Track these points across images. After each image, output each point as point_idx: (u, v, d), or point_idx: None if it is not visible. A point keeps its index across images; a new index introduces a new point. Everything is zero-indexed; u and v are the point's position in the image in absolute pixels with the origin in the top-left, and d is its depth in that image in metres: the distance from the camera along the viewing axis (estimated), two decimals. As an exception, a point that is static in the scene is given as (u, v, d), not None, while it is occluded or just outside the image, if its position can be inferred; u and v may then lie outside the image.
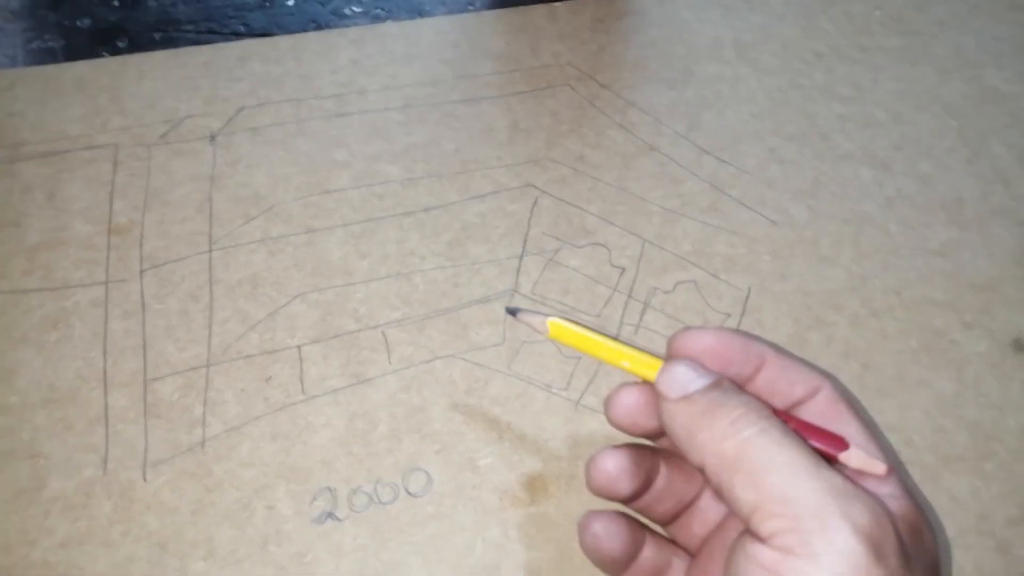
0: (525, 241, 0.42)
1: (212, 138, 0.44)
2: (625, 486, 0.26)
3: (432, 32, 0.50)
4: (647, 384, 0.26)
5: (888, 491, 0.24)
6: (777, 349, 0.27)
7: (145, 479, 0.34)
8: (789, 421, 0.25)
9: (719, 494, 0.23)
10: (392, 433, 0.36)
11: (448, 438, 0.36)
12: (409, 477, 0.35)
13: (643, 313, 0.41)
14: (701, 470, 0.24)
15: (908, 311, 0.42)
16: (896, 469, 0.25)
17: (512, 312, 0.29)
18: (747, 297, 0.42)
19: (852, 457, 0.25)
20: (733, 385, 0.25)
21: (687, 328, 0.27)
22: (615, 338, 0.27)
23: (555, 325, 0.28)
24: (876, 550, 0.20)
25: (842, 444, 0.25)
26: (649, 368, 0.26)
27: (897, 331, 0.41)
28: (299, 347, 0.38)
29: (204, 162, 0.43)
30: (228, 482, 0.34)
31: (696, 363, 0.25)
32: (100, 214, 0.41)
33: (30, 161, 0.42)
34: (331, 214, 0.42)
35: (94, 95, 0.45)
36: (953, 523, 0.36)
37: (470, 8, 0.52)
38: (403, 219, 0.42)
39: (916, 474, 0.37)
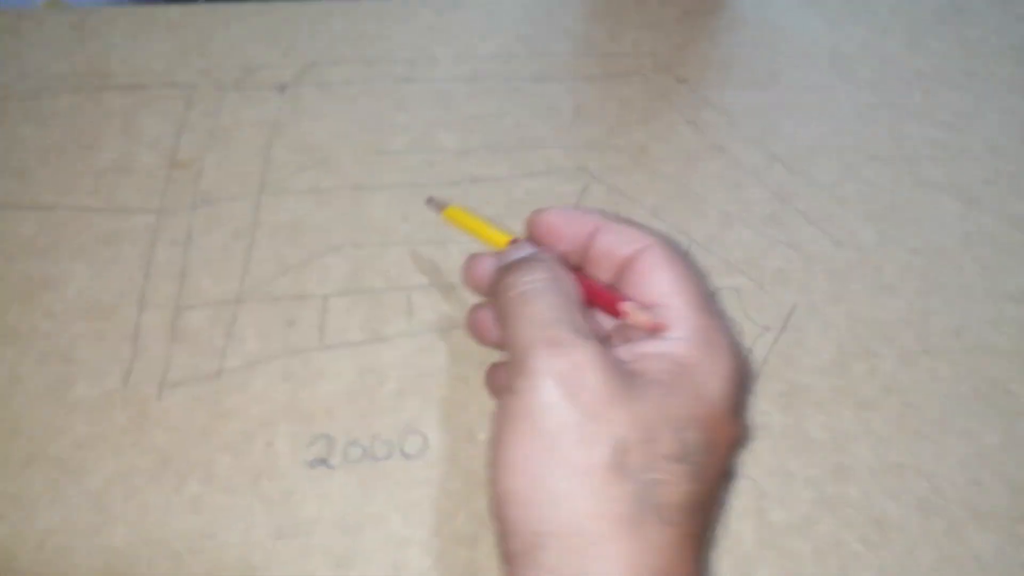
0: (568, 225, 0.41)
1: (282, 89, 0.45)
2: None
3: (515, 8, 0.49)
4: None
5: (675, 335, 0.27)
6: (612, 218, 0.31)
7: (160, 398, 0.36)
8: (581, 281, 0.30)
9: None
10: (399, 393, 0.36)
11: (452, 407, 0.36)
12: (407, 438, 0.35)
13: (676, 314, 0.39)
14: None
15: (966, 354, 0.39)
16: (693, 319, 0.28)
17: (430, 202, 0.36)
18: (791, 313, 0.40)
19: (627, 313, 0.29)
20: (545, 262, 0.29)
21: (536, 211, 0.32)
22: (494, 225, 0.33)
23: (450, 211, 0.35)
24: (568, 390, 0.25)
25: (617, 305, 0.29)
26: (500, 242, 0.32)
27: (949, 374, 0.38)
28: (325, 297, 0.38)
29: (270, 110, 0.44)
30: (235, 413, 0.35)
31: (524, 243, 0.31)
32: (166, 148, 0.43)
33: (115, 91, 0.44)
34: (381, 174, 0.42)
35: (182, 38, 0.47)
36: (973, 584, 0.34)
37: (562, -10, 0.51)
38: (450, 188, 0.42)
39: (940, 525, 0.35)
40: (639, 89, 0.46)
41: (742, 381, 0.28)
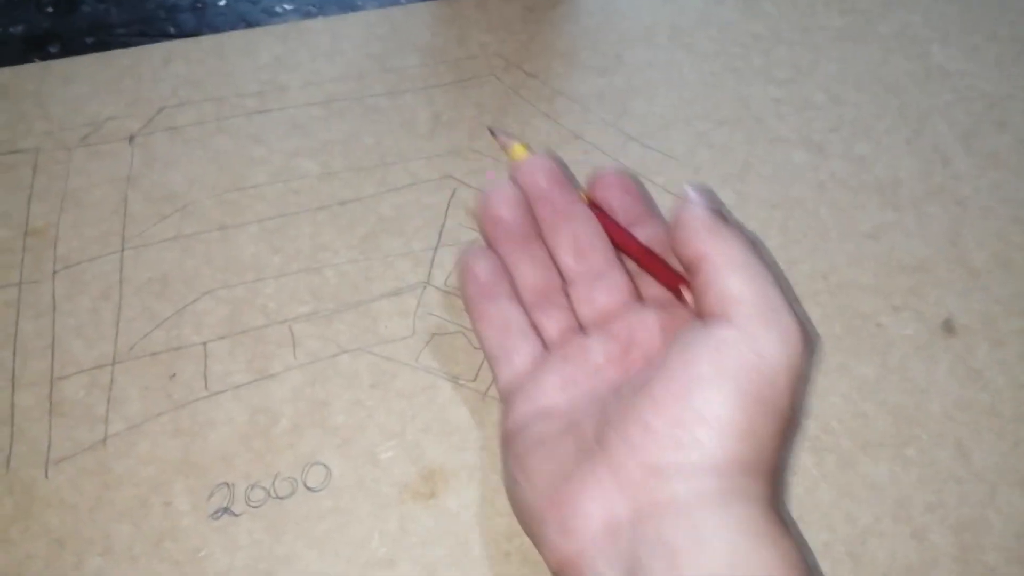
0: (441, 233, 0.42)
1: (131, 139, 0.44)
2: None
3: (359, 27, 0.49)
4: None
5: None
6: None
7: (47, 476, 0.35)
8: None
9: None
10: (293, 428, 0.36)
11: (350, 432, 0.36)
12: (308, 471, 0.35)
13: (557, 303, 0.40)
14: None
15: (833, 295, 0.41)
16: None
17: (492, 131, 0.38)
18: (666, 284, 0.41)
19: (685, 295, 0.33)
20: None
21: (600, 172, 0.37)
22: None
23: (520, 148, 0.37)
24: None
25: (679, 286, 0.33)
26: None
27: (820, 316, 0.40)
28: (205, 343, 0.38)
29: (122, 163, 0.43)
30: (127, 479, 0.35)
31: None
32: (18, 218, 0.41)
33: (-48, 166, 0.42)
34: (245, 210, 0.42)
35: (19, 101, 0.45)
36: (870, 510, 0.35)
37: (401, 2, 0.52)
38: (317, 213, 0.42)
39: (832, 460, 0.36)
40: (492, 90, 0.47)
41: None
